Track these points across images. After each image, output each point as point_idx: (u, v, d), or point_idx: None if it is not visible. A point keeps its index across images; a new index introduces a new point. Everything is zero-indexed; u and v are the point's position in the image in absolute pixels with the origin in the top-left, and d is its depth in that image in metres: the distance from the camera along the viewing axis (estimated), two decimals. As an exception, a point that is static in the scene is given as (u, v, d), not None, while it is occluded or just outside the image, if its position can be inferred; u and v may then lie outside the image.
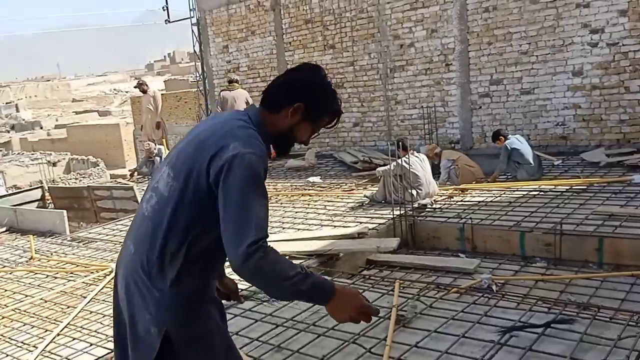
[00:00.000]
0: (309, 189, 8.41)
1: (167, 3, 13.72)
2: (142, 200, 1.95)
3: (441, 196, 6.94)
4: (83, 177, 18.42)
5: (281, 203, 7.71)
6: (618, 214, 5.42)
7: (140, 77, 13.52)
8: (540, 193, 6.61)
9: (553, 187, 6.78)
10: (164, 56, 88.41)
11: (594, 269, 4.77)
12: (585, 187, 6.60)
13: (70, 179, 18.03)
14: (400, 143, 6.78)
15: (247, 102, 10.43)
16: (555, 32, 8.53)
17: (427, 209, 6.41)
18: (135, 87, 12.39)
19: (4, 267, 6.37)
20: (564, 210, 5.75)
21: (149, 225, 1.85)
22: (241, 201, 1.69)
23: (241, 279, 1.81)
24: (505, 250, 5.35)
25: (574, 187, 6.62)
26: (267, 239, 1.70)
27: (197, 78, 13.52)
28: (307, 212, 6.95)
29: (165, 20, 13.87)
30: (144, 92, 11.83)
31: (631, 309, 3.57)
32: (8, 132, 36.19)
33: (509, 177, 7.55)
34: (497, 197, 6.68)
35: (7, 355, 3.91)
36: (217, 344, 1.89)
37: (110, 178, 15.84)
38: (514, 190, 6.87)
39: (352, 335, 3.44)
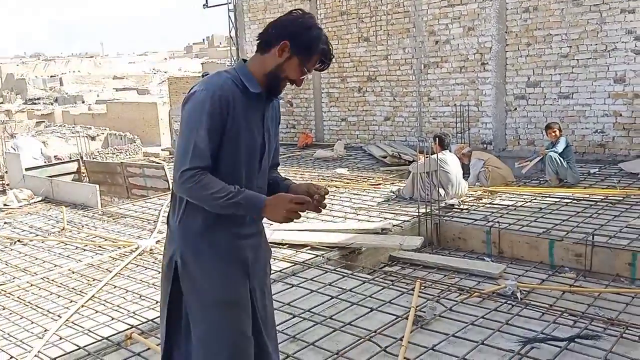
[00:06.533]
0: (336, 180, 8.39)
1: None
2: None
3: (469, 197, 6.82)
4: (120, 153, 18.83)
5: (308, 193, 7.70)
6: (654, 228, 5.23)
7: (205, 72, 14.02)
8: (573, 201, 6.42)
9: (587, 196, 6.58)
10: (203, 39, 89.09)
11: (625, 284, 4.62)
12: (621, 198, 6.38)
13: (108, 153, 18.46)
14: (438, 138, 6.65)
15: None
16: (598, 37, 8.25)
17: (454, 209, 6.31)
18: (202, 76, 12.71)
19: (37, 235, 6.56)
20: (597, 221, 5.58)
21: None
22: (186, 132, 1.89)
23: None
24: (533, 257, 5.23)
25: (609, 198, 6.42)
26: (205, 165, 1.87)
27: (232, 63, 13.61)
28: (332, 204, 6.93)
29: (203, 5, 13.96)
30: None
31: (661, 328, 3.43)
32: (52, 104, 37.18)
33: (542, 182, 7.38)
34: (527, 202, 6.53)
35: (32, 323, 4.03)
36: (205, 291, 1.97)
37: (143, 156, 16.12)
38: (545, 197, 6.70)
39: (368, 332, 3.42)
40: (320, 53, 1.98)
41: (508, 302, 3.90)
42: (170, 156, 12.36)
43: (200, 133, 1.85)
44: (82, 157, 10.97)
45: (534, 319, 3.58)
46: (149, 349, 3.38)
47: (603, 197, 6.45)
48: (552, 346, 3.15)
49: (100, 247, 5.87)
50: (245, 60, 2.05)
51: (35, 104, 38.37)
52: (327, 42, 1.99)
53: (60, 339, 3.69)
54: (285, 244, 5.29)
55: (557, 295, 4.21)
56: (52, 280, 4.92)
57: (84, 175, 10.69)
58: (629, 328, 3.40)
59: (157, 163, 10.83)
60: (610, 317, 3.67)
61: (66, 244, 6.08)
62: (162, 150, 16.51)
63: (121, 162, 10.94)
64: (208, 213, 1.93)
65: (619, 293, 4.26)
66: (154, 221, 6.64)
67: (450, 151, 6.93)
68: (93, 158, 13.32)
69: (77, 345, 3.53)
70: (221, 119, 1.88)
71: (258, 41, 2.01)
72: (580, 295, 4.23)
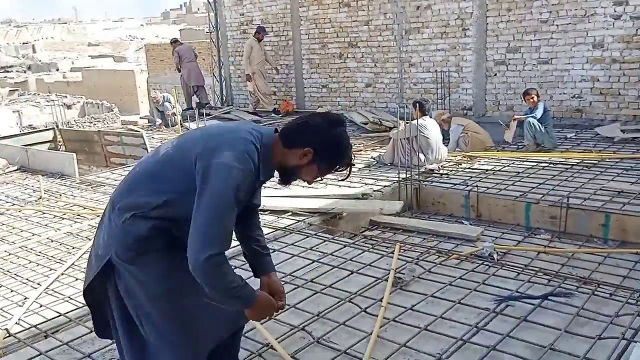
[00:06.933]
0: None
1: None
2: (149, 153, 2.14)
3: (449, 162, 6.89)
4: (97, 122, 18.47)
5: (289, 159, 7.70)
6: (628, 190, 5.35)
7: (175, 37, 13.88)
8: (550, 165, 6.53)
9: (564, 159, 6.70)
10: (180, 5, 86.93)
11: (598, 245, 4.75)
12: (596, 161, 6.50)
13: (85, 122, 18.10)
14: (418, 104, 6.66)
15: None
16: (578, 2, 8.25)
17: (433, 174, 6.38)
18: (171, 42, 12.54)
19: (14, 205, 6.47)
20: (572, 184, 5.70)
21: (139, 172, 2.03)
22: (215, 212, 1.82)
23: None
24: (509, 220, 5.34)
25: (585, 161, 6.54)
26: (228, 248, 1.86)
27: (210, 29, 13.29)
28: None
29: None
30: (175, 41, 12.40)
31: (632, 287, 3.55)
32: (25, 72, 36.19)
33: (520, 147, 7.47)
34: (505, 166, 6.62)
35: (12, 291, 4.02)
36: (149, 284, 1.97)
37: (122, 124, 15.86)
38: (523, 161, 6.79)
39: (348, 294, 3.48)
40: (339, 166, 2.03)
41: (485, 263, 4.00)
42: (150, 125, 12.14)
43: (231, 216, 1.86)
44: (57, 126, 10.73)
45: (510, 278, 3.67)
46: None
47: (579, 161, 6.57)
48: (527, 304, 3.25)
49: (79, 215, 5.83)
50: (277, 131, 2.04)
51: (8, 72, 37.27)
52: (350, 157, 2.03)
53: (41, 306, 3.69)
54: (267, 210, 5.29)
55: (532, 256, 4.33)
56: (31, 249, 4.89)
57: (60, 144, 10.47)
58: (600, 286, 3.51)
59: (136, 131, 10.66)
60: (583, 276, 3.80)
61: (44, 213, 6.02)
62: (140, 118, 16.22)
63: (99, 131, 10.74)
64: (155, 222, 1.91)
65: (592, 253, 4.39)
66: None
67: (430, 117, 6.95)
68: (70, 127, 13.04)
69: (58, 312, 3.54)
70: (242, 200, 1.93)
71: (285, 131, 2.02)
72: (554, 256, 4.35)
